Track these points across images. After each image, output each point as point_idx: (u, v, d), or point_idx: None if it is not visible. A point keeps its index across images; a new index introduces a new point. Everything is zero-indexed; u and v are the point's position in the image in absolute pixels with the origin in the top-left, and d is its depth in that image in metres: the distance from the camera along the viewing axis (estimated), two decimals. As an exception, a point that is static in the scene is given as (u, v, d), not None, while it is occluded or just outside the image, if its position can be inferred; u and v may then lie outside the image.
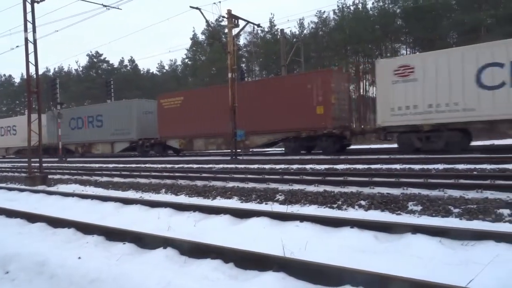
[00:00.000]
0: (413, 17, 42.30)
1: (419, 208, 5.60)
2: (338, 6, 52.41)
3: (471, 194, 6.12)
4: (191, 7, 19.69)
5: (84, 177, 12.75)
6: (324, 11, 53.12)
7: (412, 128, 16.06)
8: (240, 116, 19.57)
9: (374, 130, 17.87)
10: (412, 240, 3.77)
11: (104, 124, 28.93)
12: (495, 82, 14.18)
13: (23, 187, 10.89)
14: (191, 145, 24.18)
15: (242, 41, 56.34)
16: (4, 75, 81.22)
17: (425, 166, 10.29)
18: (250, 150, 23.46)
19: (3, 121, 39.74)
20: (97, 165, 18.52)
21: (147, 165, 16.73)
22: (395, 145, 17.24)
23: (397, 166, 10.67)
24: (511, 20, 35.47)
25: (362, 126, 20.01)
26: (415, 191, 6.72)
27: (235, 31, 20.69)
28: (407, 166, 10.63)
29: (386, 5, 48.20)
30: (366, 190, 7.03)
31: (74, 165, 19.90)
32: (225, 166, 14.22)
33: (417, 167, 10.35)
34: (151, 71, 73.04)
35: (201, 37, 63.06)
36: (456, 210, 5.28)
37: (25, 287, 3.40)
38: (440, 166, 10.08)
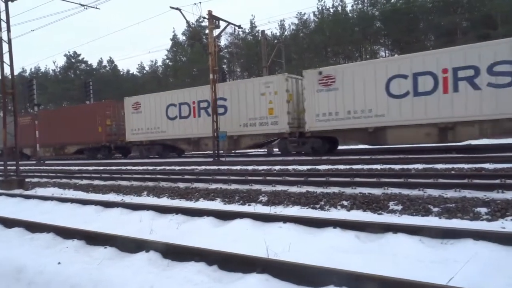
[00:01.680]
0: (391, 19, 43.07)
1: (399, 207, 5.69)
2: (318, 8, 52.88)
3: (450, 193, 6.26)
4: (171, 7, 19.56)
5: (64, 180, 12.48)
6: (305, 13, 53.52)
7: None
8: (48, 134, 27.65)
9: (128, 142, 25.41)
10: (393, 239, 3.83)
11: None
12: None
13: (-2, 191, 10.58)
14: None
15: (223, 42, 56.23)
16: (-22, 75, 78.93)
17: (405, 166, 10.47)
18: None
19: None
20: (76, 168, 18.16)
21: (128, 168, 16.50)
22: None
23: (378, 166, 10.82)
24: (484, 23, 36.54)
25: (121, 140, 26.23)
26: (396, 190, 6.83)
27: (216, 32, 20.66)
28: (388, 166, 10.79)
29: (365, 7, 48.91)
30: (348, 191, 7.10)
31: (53, 168, 19.45)
32: (208, 167, 14.16)
33: (397, 167, 10.52)
34: (131, 72, 72.12)
35: (182, 38, 62.67)
36: (436, 209, 5.39)
37: (2, 295, 3.32)
38: (420, 166, 10.27)
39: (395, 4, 43.82)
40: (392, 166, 10.66)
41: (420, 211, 5.45)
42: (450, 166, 9.94)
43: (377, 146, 17.77)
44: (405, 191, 6.66)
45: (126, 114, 24.99)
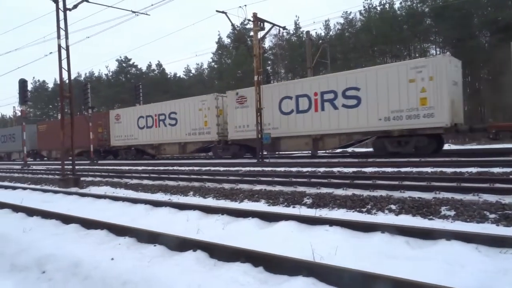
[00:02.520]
0: (443, 16, 41.19)
1: (452, 213, 5.43)
2: (364, 6, 51.73)
3: (508, 199, 5.88)
4: (217, 11, 19.91)
5: (115, 179, 13.06)
6: (350, 12, 52.57)
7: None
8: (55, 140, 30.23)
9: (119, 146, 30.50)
10: (446, 246, 3.66)
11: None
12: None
13: (57, 189, 11.27)
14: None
15: (267, 43, 56.44)
16: (38, 80, 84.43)
17: (458, 170, 9.99)
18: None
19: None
20: (127, 168, 18.93)
21: (175, 168, 16.98)
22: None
23: (428, 170, 10.40)
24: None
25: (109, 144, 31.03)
26: (448, 195, 6.52)
27: (260, 34, 20.74)
28: (439, 169, 10.34)
29: (414, 4, 47.16)
30: (396, 194, 6.88)
31: (105, 167, 20.42)
32: (252, 169, 14.25)
33: (449, 170, 10.06)
34: (178, 75, 74.21)
35: (227, 40, 63.60)
36: (492, 216, 5.09)
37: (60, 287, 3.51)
38: (474, 170, 9.76)
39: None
40: (444, 170, 10.20)
41: (475, 217, 5.17)
42: (508, 170, 9.36)
43: (276, 152, 22.37)
44: (458, 196, 6.34)
45: (110, 123, 30.79)
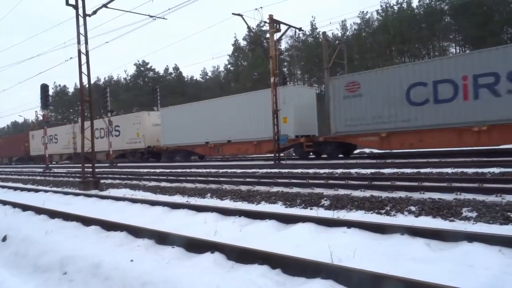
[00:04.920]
0: (462, 13, 40.40)
1: (474, 214, 5.31)
2: (381, 6, 51.18)
3: (532, 200, 5.72)
4: (233, 14, 20.01)
5: (134, 182, 13.24)
6: (367, 12, 52.09)
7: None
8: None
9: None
10: (468, 248, 3.58)
11: None
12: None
13: (77, 191, 11.49)
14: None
15: (283, 45, 56.49)
16: (59, 85, 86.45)
17: (480, 170, 9.77)
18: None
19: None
20: (145, 170, 19.17)
21: (192, 170, 17.10)
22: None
23: (449, 170, 10.19)
24: None
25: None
26: (469, 196, 6.38)
27: (276, 35, 20.74)
28: (460, 170, 10.13)
29: (432, 2, 46.40)
30: (416, 195, 6.76)
31: (124, 170, 20.73)
32: (269, 170, 14.24)
33: (470, 170, 9.85)
34: (194, 78, 74.81)
35: (243, 43, 63.81)
36: (516, 217, 4.95)
37: (82, 288, 3.58)
38: (496, 170, 9.52)
39: (466, -3, 41.10)
40: (465, 170, 9.98)
41: (498, 218, 5.04)
42: (532, 170, 9.10)
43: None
44: (480, 197, 6.20)
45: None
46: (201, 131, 25.83)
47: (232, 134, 24.21)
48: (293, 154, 23.44)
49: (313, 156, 22.30)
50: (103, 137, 32.90)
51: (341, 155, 20.56)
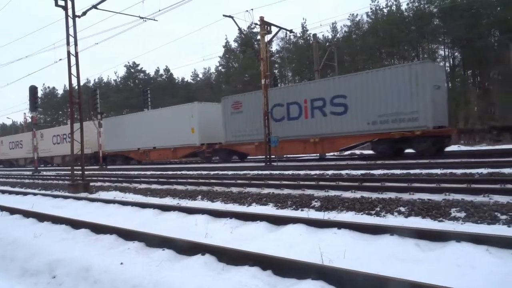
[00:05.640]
0: (451, 16, 40.88)
1: (462, 214, 5.37)
2: (371, 8, 51.51)
3: (519, 200, 5.80)
4: (224, 15, 20.01)
5: (124, 184, 13.14)
6: (357, 14, 52.37)
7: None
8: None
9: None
10: (456, 248, 3.62)
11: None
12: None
13: (66, 194, 11.37)
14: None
15: (274, 47, 56.49)
16: (48, 87, 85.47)
17: (468, 171, 9.88)
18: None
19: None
20: (135, 173, 19.05)
21: (183, 172, 17.04)
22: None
23: (438, 171, 10.30)
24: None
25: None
26: (458, 196, 6.46)
27: (267, 37, 20.80)
28: (448, 170, 10.24)
29: (421, 5, 46.87)
30: (406, 196, 6.82)
31: (114, 172, 20.57)
32: (260, 172, 14.25)
33: (459, 171, 9.96)
34: (185, 79, 74.52)
35: (234, 44, 63.76)
36: (504, 217, 5.03)
37: (71, 292, 3.54)
38: (484, 171, 9.65)
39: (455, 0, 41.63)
40: (453, 171, 10.10)
41: (486, 218, 5.11)
42: (519, 170, 9.24)
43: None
44: (469, 197, 6.28)
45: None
46: (134, 139, 30.19)
47: (156, 142, 28.54)
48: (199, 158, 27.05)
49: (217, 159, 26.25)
50: (59, 143, 38.55)
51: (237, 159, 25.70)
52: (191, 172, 16.57)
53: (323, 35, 52.06)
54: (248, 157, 25.66)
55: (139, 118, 30.74)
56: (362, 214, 6.08)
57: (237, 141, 23.53)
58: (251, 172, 14.38)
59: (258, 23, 20.06)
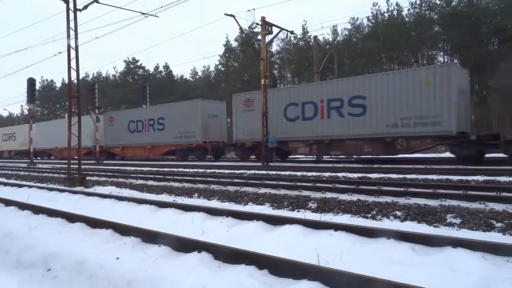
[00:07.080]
0: (451, 23, 41.03)
1: (458, 220, 5.40)
2: (372, 13, 51.63)
3: (515, 208, 5.84)
4: (225, 14, 19.98)
5: (120, 180, 13.11)
6: (358, 18, 52.47)
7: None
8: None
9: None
10: (452, 254, 3.64)
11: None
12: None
13: (62, 187, 11.32)
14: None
15: (274, 47, 56.48)
16: (46, 80, 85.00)
17: (464, 178, 9.93)
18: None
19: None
20: (132, 168, 19.00)
21: (180, 170, 17.01)
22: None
23: (434, 177, 10.34)
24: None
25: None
26: (454, 203, 6.49)
27: (268, 38, 20.79)
28: (445, 177, 10.29)
29: (422, 11, 47.02)
30: (402, 201, 6.85)
31: (110, 167, 20.50)
32: (257, 172, 14.25)
33: (455, 178, 10.00)
34: (184, 77, 74.33)
35: (234, 44, 63.69)
36: (499, 225, 5.06)
37: (66, 285, 3.53)
38: (480, 178, 9.70)
39: (456, 7, 41.78)
40: (450, 177, 10.14)
41: (481, 225, 5.14)
42: (515, 179, 9.28)
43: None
44: (464, 204, 6.31)
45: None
46: (53, 139, 35.75)
47: (59, 143, 33.93)
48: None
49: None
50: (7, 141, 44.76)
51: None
52: (187, 170, 16.55)
53: (323, 38, 52.02)
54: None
55: (55, 124, 37.37)
56: (358, 217, 6.09)
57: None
58: (248, 172, 14.38)
59: (259, 23, 20.05)
